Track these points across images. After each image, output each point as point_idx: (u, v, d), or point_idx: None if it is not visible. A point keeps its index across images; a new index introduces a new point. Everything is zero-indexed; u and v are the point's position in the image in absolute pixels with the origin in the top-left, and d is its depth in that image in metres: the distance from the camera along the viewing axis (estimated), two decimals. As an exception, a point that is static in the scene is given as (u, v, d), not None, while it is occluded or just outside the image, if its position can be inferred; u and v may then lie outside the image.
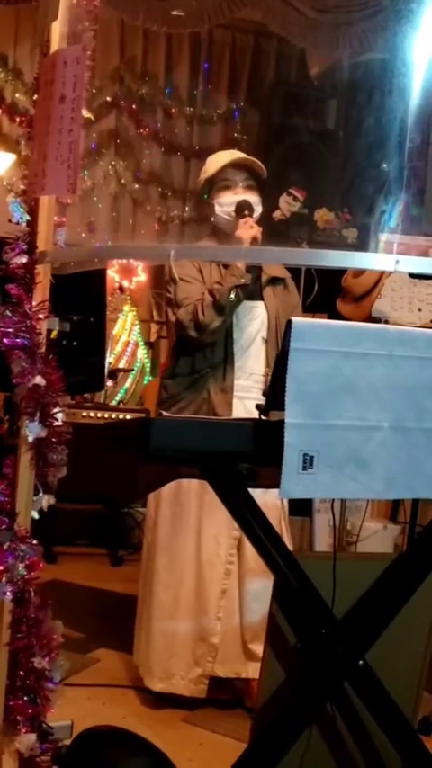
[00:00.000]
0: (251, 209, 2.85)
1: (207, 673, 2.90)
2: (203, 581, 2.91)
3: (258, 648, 2.82)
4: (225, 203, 2.90)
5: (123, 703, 2.95)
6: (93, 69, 1.82)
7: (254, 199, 2.90)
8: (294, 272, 3.06)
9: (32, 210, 1.85)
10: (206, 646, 2.90)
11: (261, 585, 2.86)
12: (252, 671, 2.89)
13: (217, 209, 2.92)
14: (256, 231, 2.81)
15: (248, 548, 2.86)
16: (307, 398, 1.52)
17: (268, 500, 2.83)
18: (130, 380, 5.69)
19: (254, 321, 2.93)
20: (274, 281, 2.99)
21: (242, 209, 2.85)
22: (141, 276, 5.81)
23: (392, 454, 1.56)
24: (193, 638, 2.91)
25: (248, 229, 2.80)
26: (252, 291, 2.91)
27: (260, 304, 2.95)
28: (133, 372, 5.71)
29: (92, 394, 5.09)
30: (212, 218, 2.97)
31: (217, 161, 2.96)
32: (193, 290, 2.87)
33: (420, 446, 1.58)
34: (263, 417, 1.70)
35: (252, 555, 2.87)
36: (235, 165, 2.93)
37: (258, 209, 2.92)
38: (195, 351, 2.89)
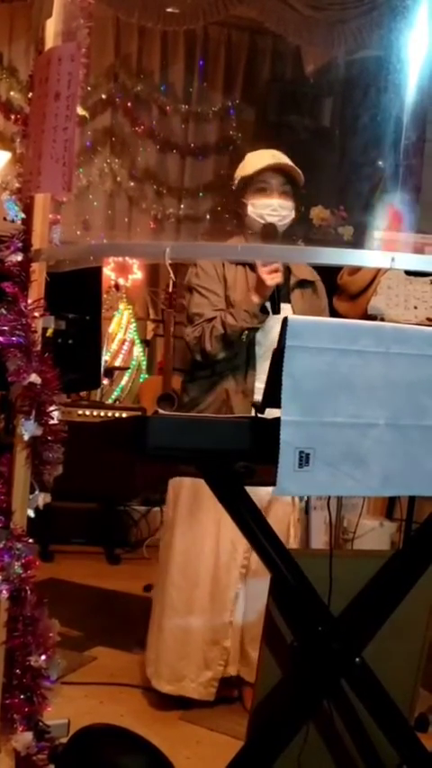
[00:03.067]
0: (276, 236, 2.81)
1: (218, 676, 2.89)
2: (219, 585, 2.89)
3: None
4: (260, 206, 2.85)
5: (120, 701, 2.95)
6: (88, 67, 1.81)
7: (287, 205, 2.86)
8: (323, 274, 3.04)
9: (27, 208, 1.85)
10: (218, 649, 2.89)
11: (264, 587, 2.86)
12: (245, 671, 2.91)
13: (250, 209, 2.87)
14: (279, 279, 2.74)
15: None
16: (303, 396, 1.52)
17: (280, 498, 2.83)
18: (126, 378, 5.69)
19: (279, 324, 2.87)
20: (303, 283, 2.94)
21: (267, 235, 2.80)
22: (137, 274, 5.81)
23: (389, 451, 1.56)
24: (206, 641, 2.89)
25: (273, 277, 2.73)
26: (280, 294, 2.84)
27: (287, 307, 2.86)
28: (129, 371, 5.71)
29: (88, 392, 5.09)
30: (245, 218, 2.91)
31: (256, 162, 2.90)
32: (206, 306, 2.82)
33: (417, 443, 1.58)
34: (259, 415, 1.69)
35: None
36: (274, 169, 2.87)
37: (291, 216, 2.88)
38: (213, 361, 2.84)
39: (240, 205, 2.92)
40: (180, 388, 3.05)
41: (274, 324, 2.86)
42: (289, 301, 2.89)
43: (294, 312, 2.88)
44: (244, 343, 2.78)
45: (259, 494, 2.80)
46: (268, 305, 2.76)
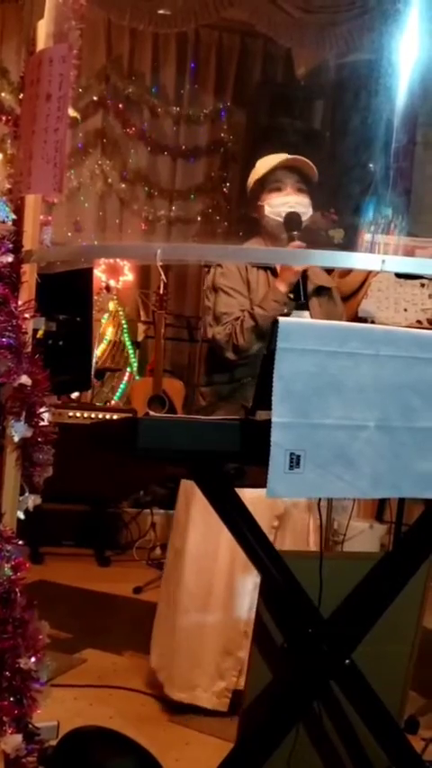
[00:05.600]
0: (299, 226, 2.73)
1: (231, 686, 2.84)
2: (234, 594, 2.83)
3: None
4: (275, 204, 2.79)
5: (110, 703, 2.94)
6: (79, 68, 1.81)
7: (304, 201, 2.80)
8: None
9: (18, 209, 1.84)
10: (232, 659, 2.83)
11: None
12: None
13: (267, 210, 2.80)
14: (298, 276, 2.69)
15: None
16: (293, 398, 1.52)
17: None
18: (125, 381, 5.68)
19: None
20: (320, 290, 2.89)
21: (291, 223, 2.73)
22: (128, 276, 5.80)
23: (378, 453, 1.57)
24: (219, 651, 2.84)
25: (293, 275, 2.69)
26: (306, 285, 2.78)
27: (306, 314, 2.74)
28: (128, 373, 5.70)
29: (80, 394, 5.08)
30: (262, 220, 2.84)
31: (268, 162, 2.85)
32: (234, 306, 2.77)
33: (406, 445, 1.59)
34: (250, 417, 1.70)
35: None
36: (287, 167, 2.82)
37: (309, 212, 2.81)
38: (232, 362, 2.78)
39: (256, 208, 2.86)
40: (194, 392, 2.99)
41: None
42: (308, 308, 2.77)
43: (312, 317, 2.76)
44: (274, 332, 2.72)
45: (277, 502, 2.77)
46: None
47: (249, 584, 2.80)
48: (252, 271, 2.82)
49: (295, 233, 2.71)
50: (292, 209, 2.75)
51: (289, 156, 2.85)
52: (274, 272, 2.79)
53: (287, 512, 2.80)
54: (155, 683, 3.00)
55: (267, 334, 2.69)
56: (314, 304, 2.85)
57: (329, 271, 3.04)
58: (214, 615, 2.85)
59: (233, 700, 2.84)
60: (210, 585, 2.86)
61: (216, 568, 2.85)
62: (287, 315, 2.69)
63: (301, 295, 2.70)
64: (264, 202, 2.82)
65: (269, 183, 2.83)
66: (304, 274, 2.75)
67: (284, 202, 2.79)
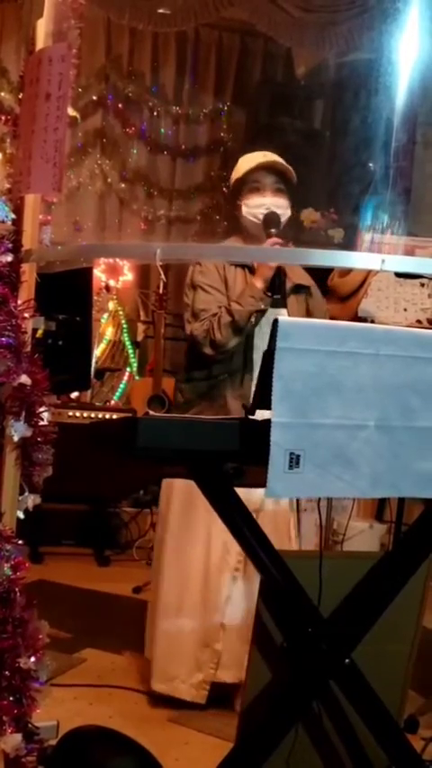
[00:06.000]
0: (278, 225, 2.80)
1: (209, 678, 2.88)
2: (209, 587, 2.89)
3: None
4: (252, 205, 2.85)
5: (109, 703, 2.94)
6: (78, 68, 1.82)
7: (281, 203, 2.86)
8: (313, 276, 3.03)
9: (18, 209, 1.85)
10: (209, 651, 2.88)
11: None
12: None
13: (244, 210, 2.87)
14: (272, 271, 2.75)
15: None
16: (293, 397, 1.52)
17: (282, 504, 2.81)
18: (124, 381, 5.68)
19: None
20: (298, 288, 2.95)
21: (270, 222, 2.80)
22: (128, 275, 5.80)
23: (378, 453, 1.57)
24: (197, 642, 2.89)
25: (269, 270, 2.75)
26: (278, 299, 2.85)
27: (283, 311, 2.83)
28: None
29: (80, 393, 5.09)
30: (240, 219, 2.91)
31: (248, 162, 2.91)
32: (212, 302, 2.83)
33: (405, 445, 1.58)
34: (249, 416, 1.69)
35: None
36: (266, 168, 2.88)
37: (286, 213, 2.88)
38: (209, 359, 2.84)
39: (235, 207, 2.92)
40: (174, 388, 3.04)
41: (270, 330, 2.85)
42: (285, 306, 2.86)
43: (289, 315, 2.84)
44: (252, 328, 2.78)
45: (252, 497, 2.81)
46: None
47: (226, 577, 2.87)
48: (230, 268, 2.87)
49: (273, 230, 2.78)
50: (269, 210, 2.82)
51: (265, 159, 2.90)
52: (251, 269, 2.84)
53: (263, 508, 2.82)
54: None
55: (244, 329, 2.77)
56: (292, 301, 2.91)
57: (317, 270, 3.08)
58: (192, 608, 2.90)
59: (211, 692, 2.90)
60: (187, 579, 2.91)
61: (193, 562, 2.91)
62: (263, 311, 2.77)
63: (279, 292, 2.76)
64: (242, 202, 2.89)
65: (248, 182, 2.89)
66: (282, 272, 2.80)
67: (261, 203, 2.86)
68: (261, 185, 2.87)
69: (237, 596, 2.89)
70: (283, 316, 2.78)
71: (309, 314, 2.94)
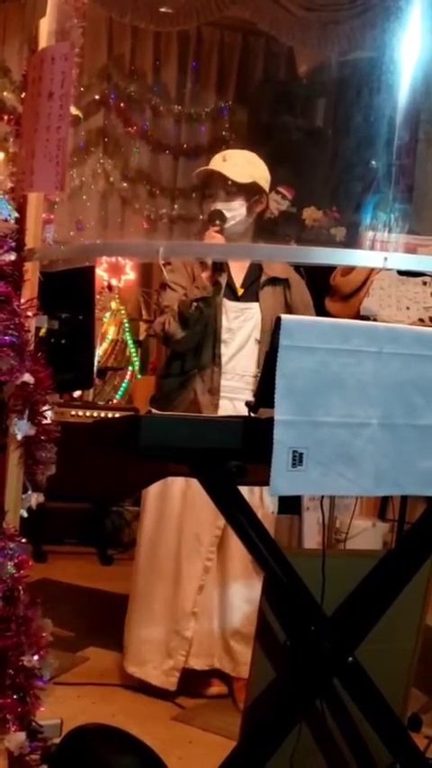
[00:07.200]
0: (222, 219, 2.88)
1: (179, 666, 2.94)
2: (181, 576, 2.96)
3: (237, 645, 2.92)
4: (206, 213, 2.97)
5: (113, 701, 2.95)
6: (81, 67, 1.82)
7: (231, 205, 2.91)
8: (316, 274, 3.08)
9: (21, 208, 1.85)
10: (179, 639, 2.94)
11: (242, 583, 2.90)
12: (228, 666, 2.95)
13: (202, 217, 3.00)
14: (219, 240, 2.83)
15: (231, 545, 2.89)
16: (296, 395, 1.52)
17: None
18: (126, 380, 5.67)
19: (248, 322, 2.96)
20: (275, 281, 2.99)
21: (213, 217, 2.90)
22: (130, 274, 5.80)
23: (381, 451, 1.57)
24: (168, 630, 2.96)
25: (211, 239, 2.83)
26: (248, 293, 2.96)
27: (255, 305, 2.96)
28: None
29: (82, 392, 5.09)
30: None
31: (197, 174, 3.02)
32: (175, 299, 2.90)
33: (409, 442, 1.59)
34: (252, 414, 1.70)
35: (235, 552, 2.89)
36: (212, 176, 2.95)
37: (240, 214, 2.93)
38: (180, 354, 2.93)
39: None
40: (156, 384, 3.13)
41: (241, 324, 2.93)
42: (257, 299, 2.97)
43: (261, 309, 2.96)
44: (200, 319, 2.83)
45: None
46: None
47: (198, 568, 2.94)
48: (197, 265, 2.92)
49: (217, 223, 2.87)
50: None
51: (204, 168, 2.98)
52: (219, 265, 2.91)
53: None
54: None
55: (189, 319, 2.82)
56: (266, 294, 2.99)
57: (317, 269, 3.13)
58: (163, 595, 2.97)
59: (181, 679, 2.95)
60: (159, 566, 2.98)
61: (165, 552, 2.98)
62: (204, 299, 2.82)
63: (241, 288, 2.91)
64: (203, 210, 3.01)
65: (206, 191, 3.01)
66: (258, 267, 2.93)
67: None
68: (214, 191, 2.96)
69: (209, 586, 2.96)
70: (254, 309, 2.95)
71: (287, 307, 3.00)
